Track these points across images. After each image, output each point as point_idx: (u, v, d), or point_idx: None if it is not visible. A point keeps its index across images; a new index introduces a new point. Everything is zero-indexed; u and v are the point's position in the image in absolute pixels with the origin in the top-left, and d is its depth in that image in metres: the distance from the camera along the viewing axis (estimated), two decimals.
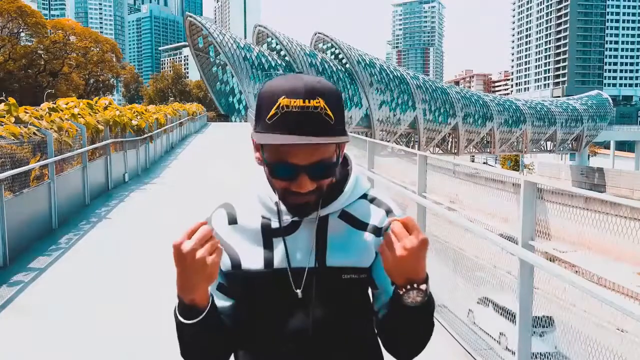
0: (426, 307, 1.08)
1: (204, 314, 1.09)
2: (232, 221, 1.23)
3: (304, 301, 1.16)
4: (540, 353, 3.32)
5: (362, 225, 1.20)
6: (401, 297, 1.06)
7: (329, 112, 1.07)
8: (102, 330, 4.32)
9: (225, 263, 1.21)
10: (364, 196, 1.24)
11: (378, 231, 1.20)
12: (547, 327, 3.26)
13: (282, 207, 1.18)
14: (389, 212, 1.22)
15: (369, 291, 1.25)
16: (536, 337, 3.25)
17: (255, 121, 1.12)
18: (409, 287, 1.05)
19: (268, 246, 1.18)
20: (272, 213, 1.20)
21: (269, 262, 1.17)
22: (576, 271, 2.85)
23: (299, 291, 1.15)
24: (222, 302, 1.23)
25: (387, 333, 1.19)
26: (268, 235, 1.19)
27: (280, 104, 1.05)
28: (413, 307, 1.06)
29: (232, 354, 1.26)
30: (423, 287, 1.05)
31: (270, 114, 1.06)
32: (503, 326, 3.75)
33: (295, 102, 1.05)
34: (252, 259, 1.18)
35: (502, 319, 3.74)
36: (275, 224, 1.19)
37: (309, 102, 1.05)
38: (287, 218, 1.19)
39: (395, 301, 1.09)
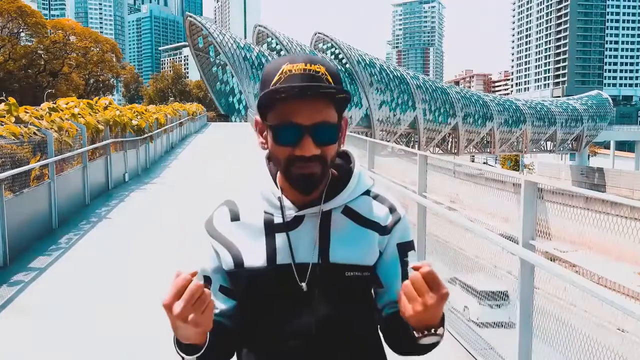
0: (439, 340, 1.08)
1: (203, 349, 1.09)
2: (235, 218, 1.22)
3: (307, 298, 1.15)
4: (497, 322, 4.00)
5: (365, 222, 1.19)
6: (416, 339, 1.05)
7: (329, 79, 1.10)
8: (102, 330, 4.32)
9: (228, 262, 1.20)
10: (367, 193, 1.24)
11: (382, 230, 1.20)
12: (504, 300, 3.85)
13: (285, 202, 1.18)
14: (392, 209, 1.23)
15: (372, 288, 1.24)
16: (494, 308, 4.00)
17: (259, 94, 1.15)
18: (426, 332, 1.04)
19: (271, 241, 1.17)
20: (274, 208, 1.19)
21: (271, 257, 1.16)
22: (576, 271, 2.85)
23: (303, 284, 1.14)
24: (223, 304, 1.22)
25: (392, 334, 1.19)
26: (271, 231, 1.18)
27: (283, 70, 1.09)
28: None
29: (235, 353, 1.26)
30: (440, 331, 1.05)
31: (275, 80, 1.09)
32: (467, 301, 4.32)
33: (297, 66, 1.09)
34: (255, 255, 1.17)
35: (467, 295, 4.30)
36: (278, 219, 1.18)
37: (311, 66, 1.09)
38: (290, 213, 1.18)
39: (409, 336, 1.07)
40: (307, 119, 1.09)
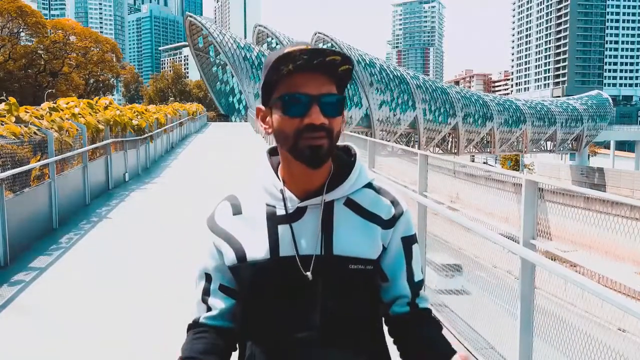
0: None
1: None
2: (237, 212, 1.22)
3: (311, 290, 1.14)
4: (450, 289, 4.74)
5: (368, 215, 1.19)
6: None
7: None
8: (102, 330, 4.32)
9: (230, 257, 1.19)
10: (369, 186, 1.24)
11: (385, 223, 1.20)
12: (457, 271, 4.66)
13: (287, 194, 1.18)
14: (394, 202, 1.23)
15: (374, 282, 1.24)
16: (448, 278, 4.78)
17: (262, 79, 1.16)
18: None
19: (273, 234, 1.17)
20: (277, 200, 1.19)
21: (274, 249, 1.16)
22: (577, 270, 2.85)
23: (308, 273, 1.14)
24: (223, 303, 1.22)
25: (404, 349, 1.21)
26: (273, 223, 1.18)
27: (286, 53, 1.10)
28: None
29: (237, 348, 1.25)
30: None
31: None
32: (428, 275, 4.93)
33: (300, 47, 1.10)
34: (258, 248, 1.17)
35: (429, 269, 4.95)
36: (280, 211, 1.18)
37: (313, 47, 1.11)
38: (292, 205, 1.18)
39: None
40: (314, 90, 1.11)
